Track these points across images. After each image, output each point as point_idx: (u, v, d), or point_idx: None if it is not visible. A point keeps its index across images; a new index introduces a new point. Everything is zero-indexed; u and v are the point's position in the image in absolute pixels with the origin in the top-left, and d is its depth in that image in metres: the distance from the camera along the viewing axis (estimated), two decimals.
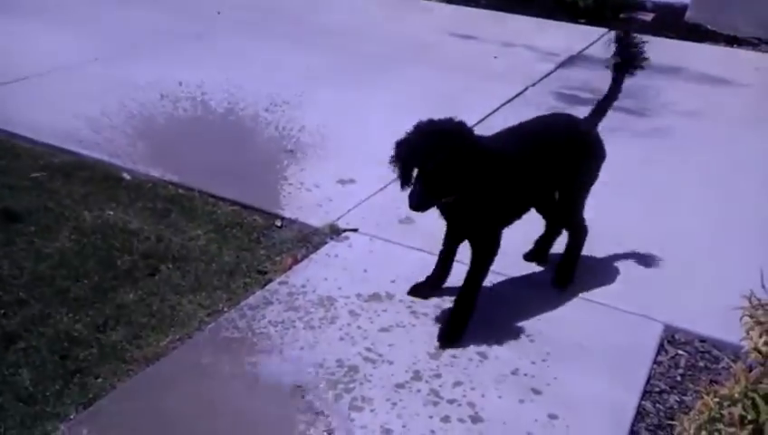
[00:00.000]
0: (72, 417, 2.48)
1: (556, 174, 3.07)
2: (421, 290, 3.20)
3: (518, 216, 3.06)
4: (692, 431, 2.09)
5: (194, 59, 6.12)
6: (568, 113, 3.42)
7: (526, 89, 5.80)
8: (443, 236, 3.14)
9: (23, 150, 4.35)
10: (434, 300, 3.17)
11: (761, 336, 1.80)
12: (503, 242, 2.95)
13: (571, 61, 6.59)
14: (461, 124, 2.68)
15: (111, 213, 3.74)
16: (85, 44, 6.27)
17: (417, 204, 2.60)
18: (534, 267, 3.44)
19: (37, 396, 2.55)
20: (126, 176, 4.13)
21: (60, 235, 3.52)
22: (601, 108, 3.25)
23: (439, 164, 2.55)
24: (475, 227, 2.91)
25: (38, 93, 5.19)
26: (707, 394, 1.89)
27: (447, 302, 3.11)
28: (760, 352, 1.80)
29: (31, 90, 5.25)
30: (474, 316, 2.95)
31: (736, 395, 1.78)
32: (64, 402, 2.54)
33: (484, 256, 2.93)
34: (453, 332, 2.92)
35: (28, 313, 2.97)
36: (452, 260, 3.19)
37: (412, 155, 2.63)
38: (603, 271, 3.43)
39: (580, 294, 3.25)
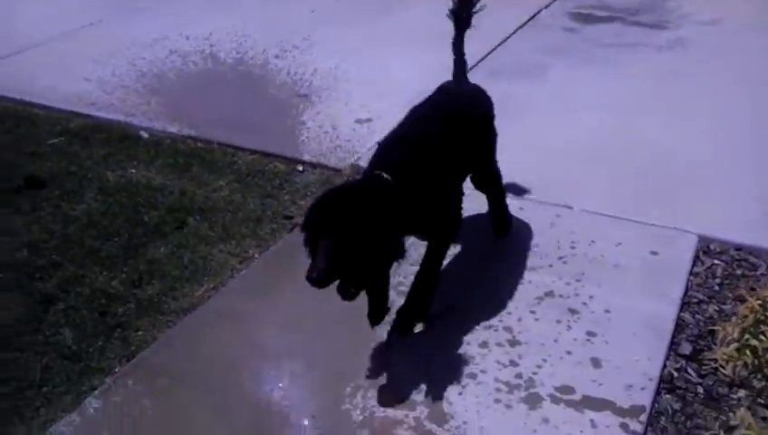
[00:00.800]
0: (116, 370, 2.53)
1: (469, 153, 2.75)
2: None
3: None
4: (735, 335, 2.09)
5: (198, 12, 6.03)
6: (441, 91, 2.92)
7: (540, 11, 5.66)
8: None
9: (39, 118, 4.35)
10: None
11: None
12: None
13: None
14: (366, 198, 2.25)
15: (134, 171, 3.74)
16: (87, 6, 6.20)
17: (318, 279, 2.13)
18: (559, 191, 3.40)
19: (81, 353, 2.59)
20: (143, 134, 4.12)
21: (85, 196, 3.54)
22: (458, 65, 2.97)
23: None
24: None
25: (48, 60, 5.16)
26: (751, 297, 1.86)
27: None
28: None
29: (40, 57, 5.22)
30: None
31: None
32: (108, 357, 2.58)
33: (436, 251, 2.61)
34: (409, 320, 2.60)
35: (63, 274, 3.01)
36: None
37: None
38: (630, 187, 3.38)
39: (610, 213, 3.21)
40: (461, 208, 2.70)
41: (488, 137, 2.93)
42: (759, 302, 1.88)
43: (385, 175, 2.34)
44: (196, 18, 5.84)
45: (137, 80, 4.77)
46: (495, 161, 3.01)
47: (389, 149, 2.54)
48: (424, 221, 2.49)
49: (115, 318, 2.75)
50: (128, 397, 2.39)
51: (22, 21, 5.92)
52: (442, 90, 2.90)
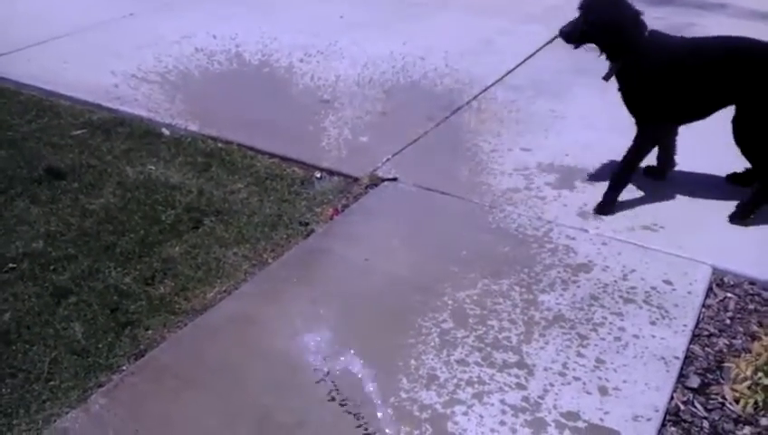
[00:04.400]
0: (124, 368, 2.55)
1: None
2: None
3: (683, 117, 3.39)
4: (748, 373, 2.07)
5: (228, 11, 6.08)
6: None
7: None
8: None
9: (63, 109, 4.39)
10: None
11: None
12: None
13: None
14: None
15: (153, 168, 3.77)
16: (117, 0, 6.26)
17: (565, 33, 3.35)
18: (575, 213, 3.39)
19: (90, 349, 2.61)
20: (165, 131, 4.15)
21: (104, 190, 3.57)
22: None
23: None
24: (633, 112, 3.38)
25: (75, 51, 5.21)
26: (766, 335, 1.85)
27: None
28: None
29: (68, 48, 5.27)
30: (516, 263, 2.92)
31: None
32: (116, 354, 2.60)
33: (635, 143, 3.35)
34: (604, 203, 3.38)
35: (77, 268, 3.03)
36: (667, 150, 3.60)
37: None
38: (647, 213, 3.37)
39: (626, 238, 3.20)
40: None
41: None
42: None
43: None
44: (225, 17, 5.89)
45: (162, 76, 4.81)
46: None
47: None
48: None
49: (126, 315, 2.77)
50: (134, 396, 2.41)
51: (55, 11, 5.99)
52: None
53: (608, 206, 3.39)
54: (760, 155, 3.29)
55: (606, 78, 3.36)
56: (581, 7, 3.29)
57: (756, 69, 3.13)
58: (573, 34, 3.30)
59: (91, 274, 3.00)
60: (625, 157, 3.38)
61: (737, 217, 3.31)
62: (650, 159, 3.54)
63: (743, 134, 3.24)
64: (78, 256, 3.11)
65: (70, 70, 4.87)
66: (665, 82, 3.22)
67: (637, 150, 3.36)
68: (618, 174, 3.41)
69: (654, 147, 3.47)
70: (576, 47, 3.36)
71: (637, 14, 3.21)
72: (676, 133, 3.58)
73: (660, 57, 3.21)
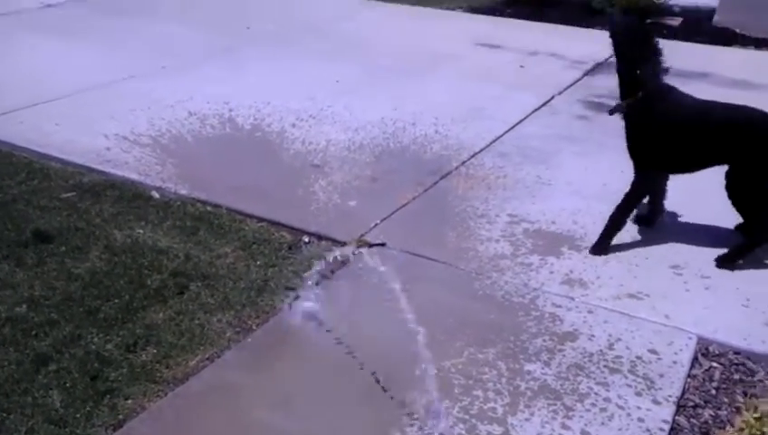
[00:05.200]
0: None
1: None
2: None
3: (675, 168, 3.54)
4: None
5: (223, 75, 6.18)
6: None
7: (552, 98, 5.75)
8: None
9: (53, 171, 4.42)
10: None
11: None
12: None
13: (597, 68, 6.51)
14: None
15: (141, 232, 3.78)
16: (116, 63, 6.37)
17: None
18: (561, 280, 3.39)
19: (68, 418, 2.57)
20: (155, 194, 4.17)
21: (90, 254, 3.57)
22: None
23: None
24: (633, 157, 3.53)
25: (69, 113, 5.27)
26: (747, 410, 1.84)
27: None
28: None
29: (62, 110, 5.34)
30: (500, 332, 2.91)
31: None
32: (94, 424, 2.55)
33: (632, 188, 3.50)
34: (599, 244, 3.55)
35: (59, 333, 3.01)
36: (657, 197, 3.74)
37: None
38: (634, 281, 3.37)
39: (612, 307, 3.20)
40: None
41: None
42: (756, 416, 1.85)
43: None
44: (220, 81, 5.98)
45: (154, 139, 4.86)
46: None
47: None
48: None
49: (106, 383, 2.73)
50: None
51: (51, 73, 6.08)
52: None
53: (602, 247, 3.55)
54: (749, 210, 3.43)
55: (611, 112, 3.52)
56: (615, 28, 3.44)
57: (753, 136, 3.28)
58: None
59: (73, 340, 2.98)
60: (621, 201, 3.52)
61: (725, 263, 3.44)
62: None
63: (735, 190, 3.38)
64: (61, 322, 3.08)
65: (62, 132, 4.92)
66: (668, 134, 3.36)
67: (632, 195, 3.52)
68: (613, 217, 3.55)
69: (649, 192, 3.61)
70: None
71: (660, 56, 3.34)
72: (666, 180, 3.70)
73: (669, 109, 3.36)
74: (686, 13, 8.31)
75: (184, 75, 6.18)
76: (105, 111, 5.30)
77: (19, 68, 6.26)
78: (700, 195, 3.82)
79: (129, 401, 2.66)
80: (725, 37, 7.60)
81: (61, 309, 3.15)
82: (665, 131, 3.38)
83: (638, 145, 3.49)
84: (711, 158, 3.44)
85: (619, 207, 3.54)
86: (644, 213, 3.77)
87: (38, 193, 4.13)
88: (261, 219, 3.91)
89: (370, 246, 3.66)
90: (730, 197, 3.40)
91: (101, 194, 4.16)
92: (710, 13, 8.09)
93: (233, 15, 8.24)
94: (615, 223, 3.55)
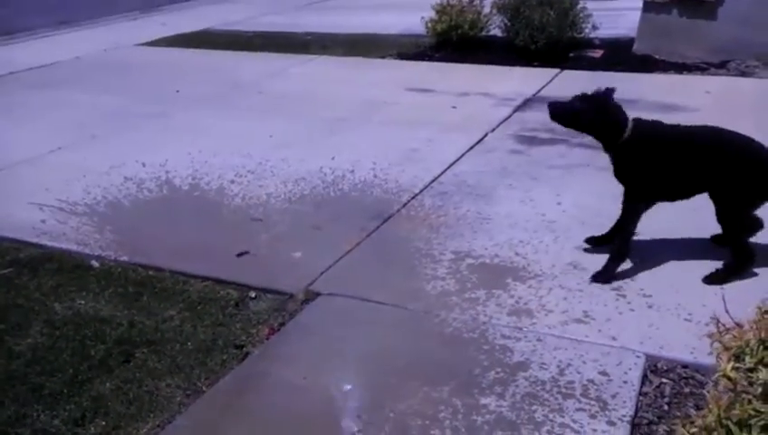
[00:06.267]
0: None
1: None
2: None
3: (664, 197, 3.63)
4: None
5: (157, 139, 6.16)
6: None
7: (486, 135, 5.89)
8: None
9: None
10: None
11: (729, 362, 1.81)
12: None
13: (527, 103, 6.72)
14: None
15: (82, 302, 3.70)
16: (45, 135, 6.31)
17: (552, 110, 3.66)
18: (509, 311, 3.44)
19: None
20: (94, 263, 4.10)
21: (31, 330, 3.48)
22: None
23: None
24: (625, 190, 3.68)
25: (3, 189, 5.17)
26: (683, 426, 1.88)
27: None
28: (729, 378, 1.80)
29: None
30: (452, 365, 2.93)
31: (712, 424, 1.77)
32: None
33: (627, 220, 3.64)
34: (605, 272, 3.63)
35: (3, 414, 2.91)
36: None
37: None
38: (579, 305, 3.44)
39: (558, 333, 3.25)
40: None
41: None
42: (693, 430, 1.89)
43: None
44: (154, 144, 5.96)
45: (91, 208, 4.79)
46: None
47: None
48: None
49: None
50: None
51: None
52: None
53: (608, 275, 3.64)
54: (734, 231, 3.59)
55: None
56: (567, 111, 3.63)
57: (726, 160, 3.46)
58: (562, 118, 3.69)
59: (18, 419, 2.88)
60: (623, 233, 3.67)
61: (716, 281, 3.54)
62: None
63: (722, 214, 3.54)
64: (5, 401, 2.98)
65: None
66: (650, 168, 3.52)
67: (629, 226, 3.64)
68: (619, 249, 3.66)
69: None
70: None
71: (618, 114, 3.53)
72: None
73: (645, 147, 3.52)
74: (606, 44, 8.67)
75: (116, 142, 6.14)
76: (38, 183, 5.21)
77: None
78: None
79: None
80: (647, 64, 7.92)
81: (4, 389, 3.06)
82: (647, 168, 3.52)
83: (627, 182, 3.64)
84: (694, 185, 3.57)
85: (622, 238, 3.67)
86: (596, 235, 3.91)
87: None
88: (205, 278, 3.88)
89: (317, 295, 3.66)
90: (719, 221, 3.56)
91: (39, 268, 4.07)
92: (629, 42, 8.43)
93: (161, 81, 8.25)
94: (621, 254, 3.66)
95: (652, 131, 3.57)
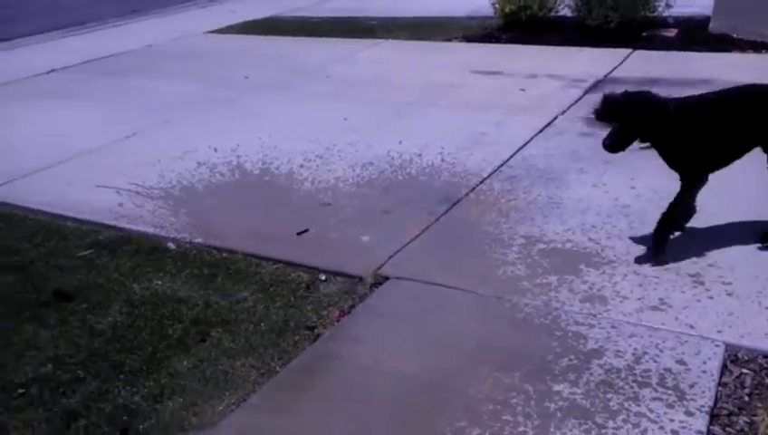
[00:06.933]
0: None
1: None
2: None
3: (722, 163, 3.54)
4: None
5: (227, 124, 6.27)
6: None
7: (556, 118, 5.79)
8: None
9: (69, 230, 4.47)
10: None
11: None
12: None
13: (597, 85, 6.56)
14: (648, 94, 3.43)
15: (159, 283, 3.81)
16: (120, 121, 6.49)
17: (608, 146, 3.48)
18: (582, 298, 3.38)
19: None
20: (171, 245, 4.21)
21: (111, 309, 3.59)
22: None
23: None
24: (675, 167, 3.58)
25: (80, 174, 5.35)
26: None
27: None
28: None
29: (73, 171, 5.42)
30: (528, 351, 2.90)
31: None
32: None
33: (682, 193, 3.55)
34: (655, 249, 3.61)
35: (86, 389, 3.02)
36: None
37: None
38: (654, 293, 3.36)
39: (634, 320, 3.18)
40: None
41: None
42: None
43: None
44: (225, 129, 6.07)
45: (166, 192, 4.91)
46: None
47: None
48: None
49: None
50: None
51: (61, 135, 6.20)
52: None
53: (657, 251, 3.61)
54: None
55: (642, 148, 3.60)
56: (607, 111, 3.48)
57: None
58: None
59: (101, 394, 2.99)
60: (672, 206, 3.58)
61: None
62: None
63: None
64: (87, 378, 3.10)
65: (75, 192, 4.99)
66: (695, 141, 3.43)
67: (681, 199, 3.57)
68: (663, 221, 3.60)
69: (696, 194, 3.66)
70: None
71: (657, 104, 3.38)
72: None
73: (686, 124, 3.40)
74: (680, 23, 8.38)
75: (188, 128, 6.27)
76: (115, 168, 5.37)
77: (28, 133, 6.39)
78: (710, 201, 3.82)
79: None
80: (723, 43, 7.64)
81: (86, 365, 3.18)
82: (692, 142, 3.44)
83: (675, 162, 3.55)
84: (742, 144, 3.51)
85: (668, 212, 3.59)
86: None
87: (56, 253, 4.18)
88: (277, 261, 3.94)
89: (387, 279, 3.67)
90: None
91: (118, 249, 4.20)
92: (705, 20, 8.14)
93: (230, 67, 8.37)
94: (666, 226, 3.61)
95: (692, 105, 3.48)
